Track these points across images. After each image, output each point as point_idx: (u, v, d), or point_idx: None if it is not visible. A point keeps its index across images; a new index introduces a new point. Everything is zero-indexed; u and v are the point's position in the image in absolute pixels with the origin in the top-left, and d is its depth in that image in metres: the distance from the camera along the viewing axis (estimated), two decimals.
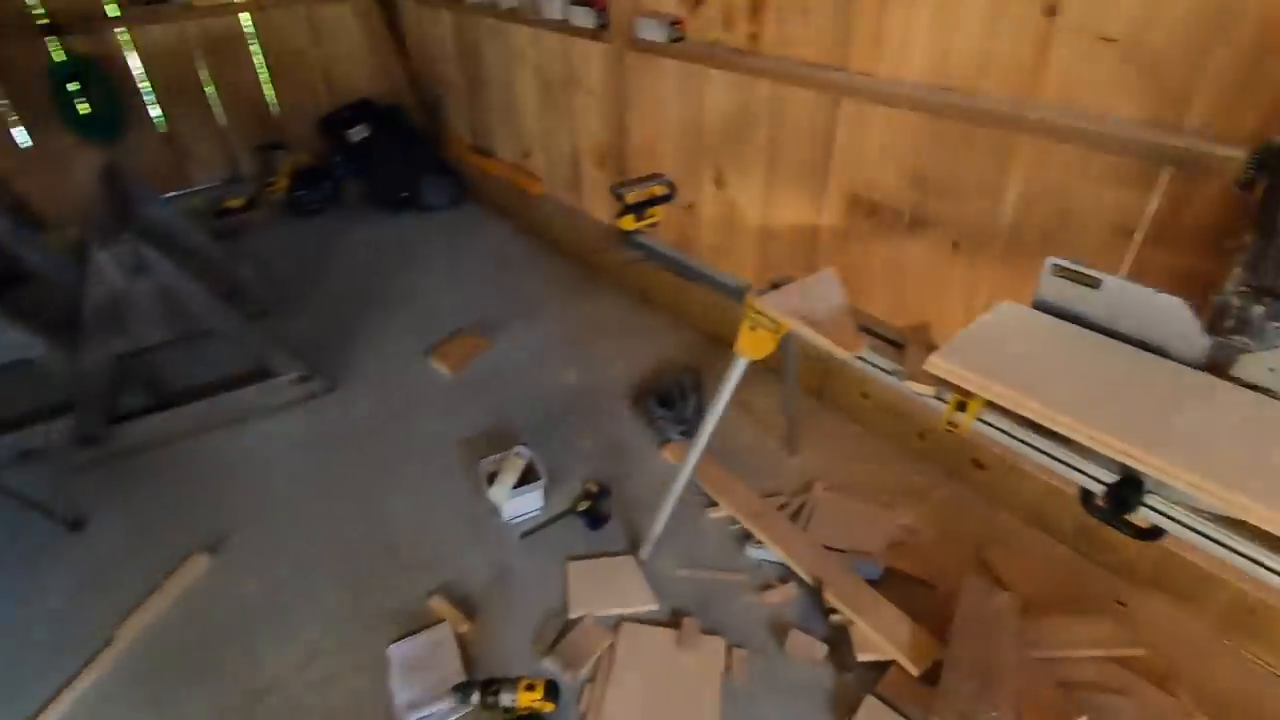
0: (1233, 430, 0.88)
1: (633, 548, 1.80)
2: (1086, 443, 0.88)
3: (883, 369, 1.25)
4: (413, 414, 2.31)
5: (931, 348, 1.23)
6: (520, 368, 2.52)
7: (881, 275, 2.03)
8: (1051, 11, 1.46)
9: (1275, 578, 0.89)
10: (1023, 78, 1.55)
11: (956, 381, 1.00)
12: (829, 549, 1.75)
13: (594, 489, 1.91)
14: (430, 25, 3.76)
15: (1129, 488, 0.86)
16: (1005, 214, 1.69)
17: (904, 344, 1.27)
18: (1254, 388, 0.95)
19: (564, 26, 2.69)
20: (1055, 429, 0.92)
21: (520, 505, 1.86)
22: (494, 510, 1.87)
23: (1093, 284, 1.06)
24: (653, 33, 2.32)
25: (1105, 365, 1.00)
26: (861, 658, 1.51)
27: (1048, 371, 0.99)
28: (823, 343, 1.26)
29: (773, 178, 2.22)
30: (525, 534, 1.83)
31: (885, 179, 1.90)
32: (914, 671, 1.45)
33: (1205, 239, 1.39)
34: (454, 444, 2.16)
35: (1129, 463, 0.85)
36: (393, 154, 3.78)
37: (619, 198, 1.65)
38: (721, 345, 2.54)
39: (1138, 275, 1.52)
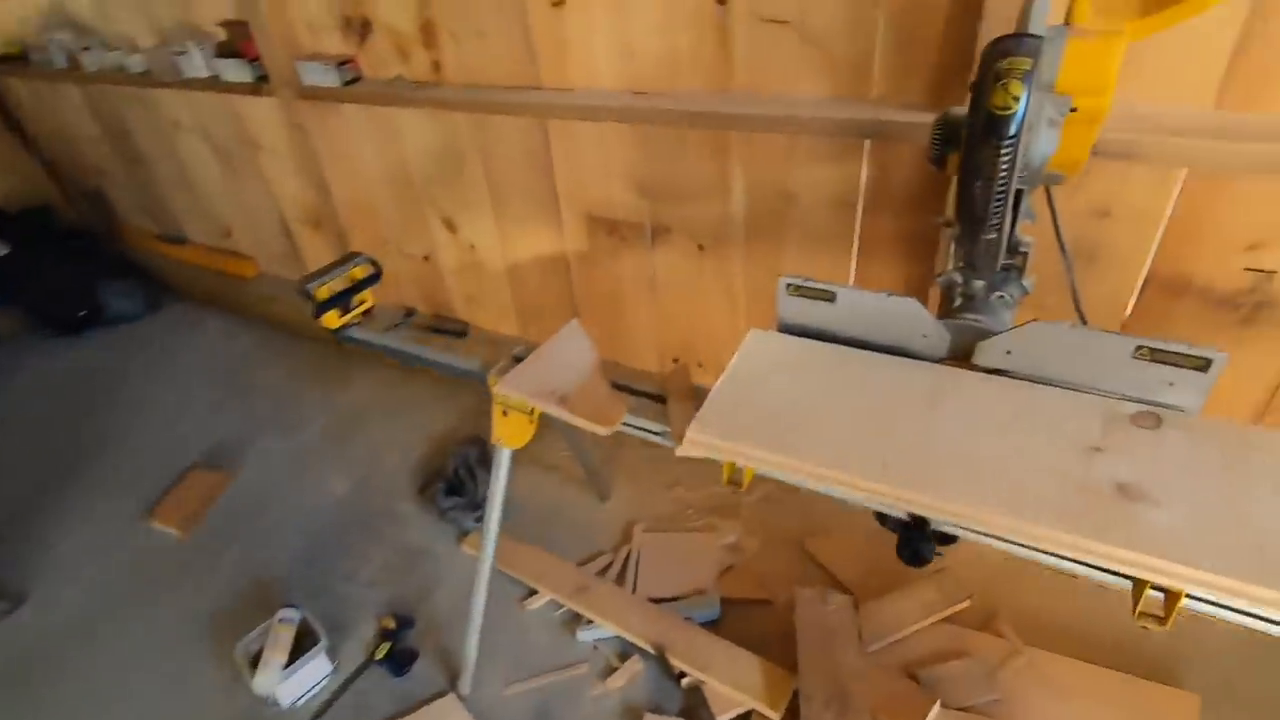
0: (987, 433, 0.83)
1: (451, 681, 1.53)
2: (857, 495, 0.79)
3: (650, 432, 1.11)
4: (136, 603, 1.82)
5: (692, 395, 1.11)
6: (273, 495, 2.10)
7: (640, 295, 1.92)
8: (721, 0, 1.39)
9: (1046, 557, 0.86)
10: (714, 71, 1.48)
11: (717, 456, 0.87)
12: (664, 600, 1.62)
13: (391, 625, 1.61)
14: (55, 104, 3.05)
15: (918, 537, 0.79)
16: (738, 209, 1.63)
17: (665, 397, 1.14)
18: (996, 372, 0.92)
19: (216, 84, 2.25)
20: (823, 485, 0.82)
21: (301, 683, 1.51)
22: (269, 701, 1.50)
23: (828, 298, 0.98)
24: (321, 77, 1.99)
25: (860, 387, 0.92)
26: (723, 718, 1.39)
27: (806, 412, 0.89)
28: (578, 421, 1.09)
29: (502, 212, 2.02)
30: (316, 717, 1.49)
31: (615, 194, 1.78)
32: (775, 716, 1.36)
33: (920, 203, 1.41)
34: (199, 628, 1.73)
35: (904, 507, 0.77)
36: (51, 266, 3.05)
37: (308, 296, 1.35)
38: None
39: (868, 247, 1.55)
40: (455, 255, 2.23)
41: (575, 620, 1.62)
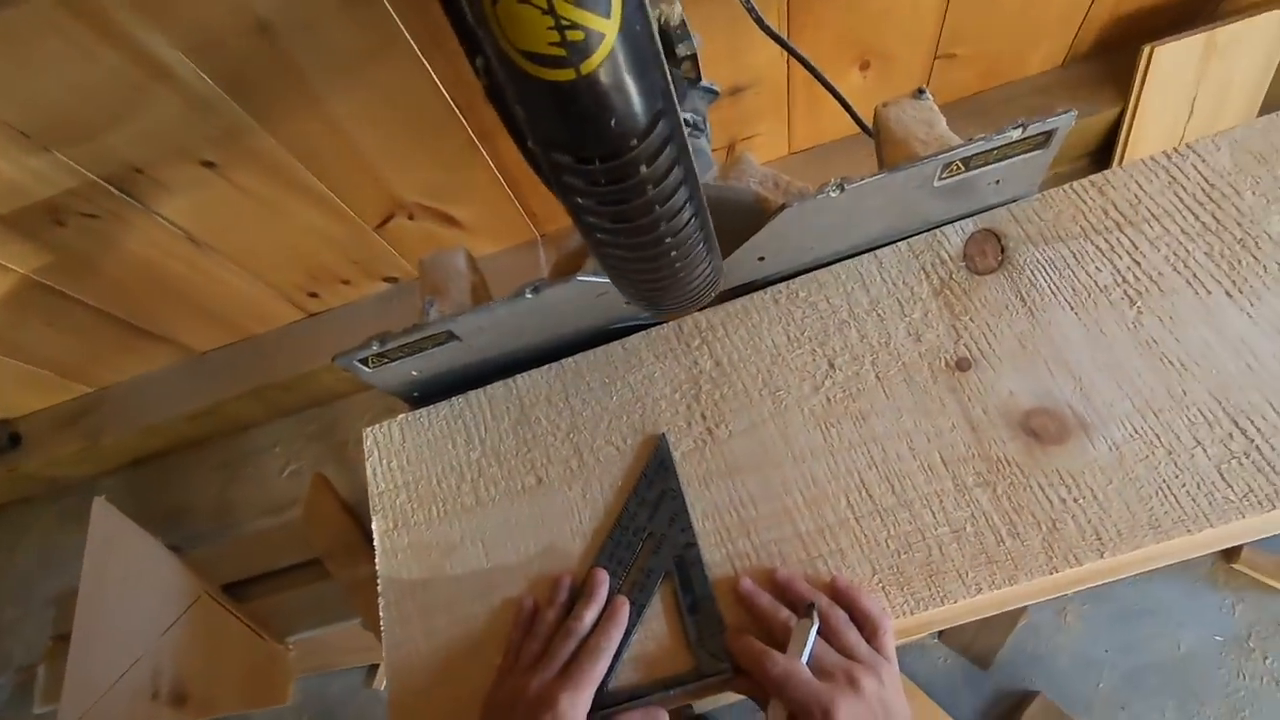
0: (801, 444, 0.49)
1: None
2: None
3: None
4: None
5: (345, 527, 0.66)
6: None
7: (198, 265, 1.23)
8: None
9: None
10: None
11: None
12: None
13: None
14: None
15: None
16: (203, 87, 0.92)
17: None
18: (751, 287, 0.54)
19: None
20: None
21: None
22: None
23: (442, 340, 0.50)
24: None
25: (583, 475, 0.52)
26: None
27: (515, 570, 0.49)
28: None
29: None
30: None
31: (18, 174, 0.97)
32: None
33: None
34: None
35: None
36: None
37: None
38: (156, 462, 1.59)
39: (448, 37, 0.95)
40: None
41: None
